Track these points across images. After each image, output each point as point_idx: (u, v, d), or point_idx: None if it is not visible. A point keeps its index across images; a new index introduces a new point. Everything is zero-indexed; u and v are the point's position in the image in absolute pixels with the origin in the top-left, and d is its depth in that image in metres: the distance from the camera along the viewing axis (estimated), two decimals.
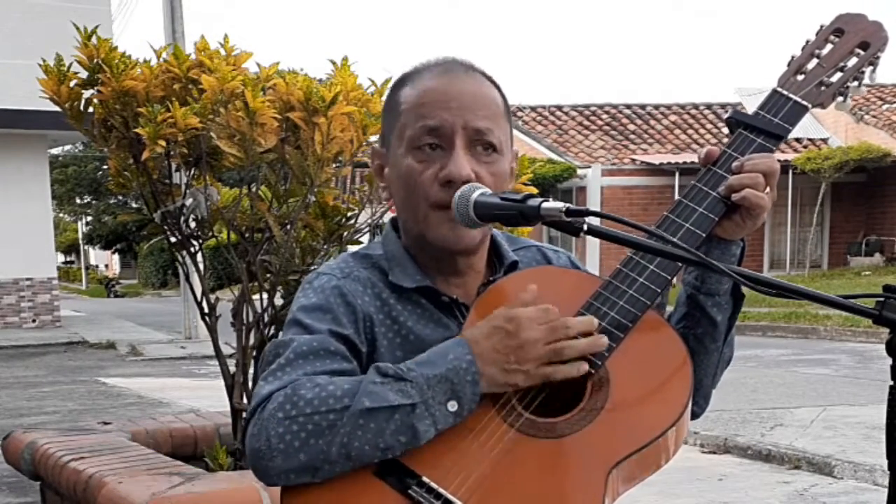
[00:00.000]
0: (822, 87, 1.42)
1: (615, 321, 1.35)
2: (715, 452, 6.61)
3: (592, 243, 17.92)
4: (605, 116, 22.94)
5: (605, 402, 1.32)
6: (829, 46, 1.44)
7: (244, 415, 3.49)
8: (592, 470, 1.28)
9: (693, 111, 23.18)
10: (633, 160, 21.03)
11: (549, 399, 1.35)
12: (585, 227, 1.26)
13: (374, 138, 3.29)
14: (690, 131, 22.56)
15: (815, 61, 1.43)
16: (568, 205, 1.26)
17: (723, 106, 22.94)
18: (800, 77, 1.43)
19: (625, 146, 21.97)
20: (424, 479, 1.28)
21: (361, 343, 1.38)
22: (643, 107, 23.26)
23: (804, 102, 1.41)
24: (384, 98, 1.51)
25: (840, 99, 1.44)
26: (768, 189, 1.36)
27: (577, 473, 1.29)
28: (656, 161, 20.45)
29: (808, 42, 1.45)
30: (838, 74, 1.43)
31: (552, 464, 1.30)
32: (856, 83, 1.43)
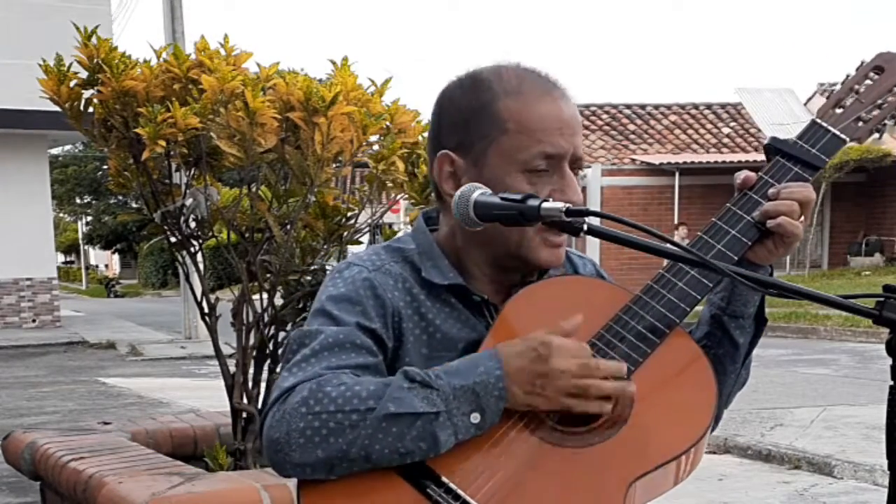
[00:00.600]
0: (860, 123, 1.45)
1: (642, 335, 1.36)
2: (715, 452, 6.61)
3: (592, 243, 17.93)
4: (604, 116, 22.92)
5: (628, 416, 1.32)
6: (867, 83, 1.47)
7: (244, 414, 3.49)
8: (613, 483, 1.29)
9: (693, 111, 23.17)
10: (633, 160, 21.02)
11: None
12: (585, 227, 1.27)
13: (374, 138, 3.29)
14: (690, 131, 22.54)
15: (853, 97, 1.47)
16: (568, 205, 1.26)
17: (723, 106, 22.92)
18: (838, 111, 1.46)
19: (625, 146, 21.96)
20: (444, 479, 1.28)
21: (388, 338, 1.38)
22: (643, 107, 23.23)
23: (842, 136, 1.44)
24: (454, 99, 1.44)
25: (876, 136, 1.48)
26: (802, 218, 1.38)
27: (597, 485, 1.29)
28: (656, 161, 20.44)
29: (847, 76, 1.49)
30: (876, 111, 1.46)
31: (572, 474, 1.30)
32: (892, 122, 1.47)
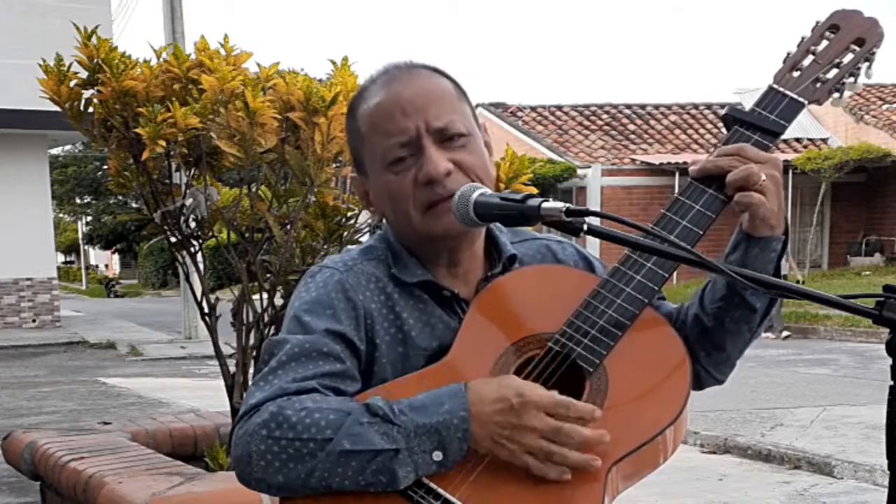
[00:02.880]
0: (818, 84, 1.42)
1: (613, 319, 1.35)
2: (715, 452, 6.62)
3: (592, 243, 17.94)
4: (605, 116, 22.93)
5: (603, 401, 1.32)
6: (824, 43, 1.44)
7: None
8: (591, 469, 1.28)
9: (693, 111, 23.18)
10: (633, 160, 21.02)
11: None
12: (585, 227, 1.26)
13: None
14: (690, 131, 22.55)
15: (810, 58, 1.43)
16: (568, 205, 1.26)
17: (722, 106, 22.88)
18: (795, 74, 1.42)
19: (625, 146, 21.96)
20: (423, 479, 1.28)
21: (360, 340, 1.37)
22: (643, 107, 23.24)
23: (800, 99, 1.41)
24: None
25: (836, 95, 1.43)
26: (764, 179, 1.32)
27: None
28: (656, 161, 20.44)
29: (803, 39, 1.45)
30: (834, 71, 1.42)
31: None
32: (852, 79, 1.43)
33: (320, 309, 1.37)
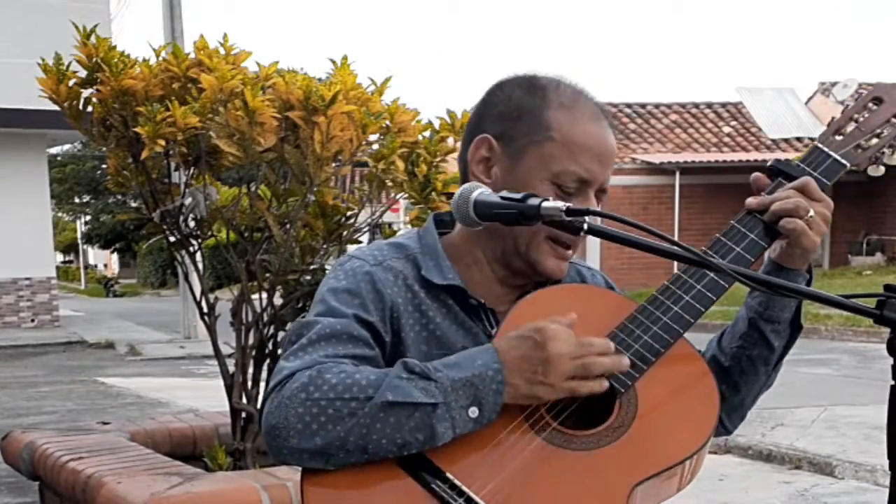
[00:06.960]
0: (859, 150, 1.49)
1: (647, 345, 1.37)
2: (715, 452, 6.60)
3: (593, 242, 17.92)
4: None
5: (632, 422, 1.33)
6: (867, 113, 1.51)
7: (243, 414, 3.48)
8: (615, 486, 1.29)
9: (693, 110, 23.15)
10: (634, 159, 21.00)
11: (578, 412, 1.36)
12: (585, 226, 1.27)
13: (373, 137, 3.28)
14: (691, 130, 22.52)
15: (853, 125, 1.51)
16: (568, 204, 1.26)
17: (723, 105, 22.90)
18: (839, 137, 1.50)
19: (625, 145, 21.92)
20: (448, 475, 1.28)
21: (386, 332, 1.39)
22: (643, 106, 23.21)
23: (843, 161, 1.48)
24: (486, 95, 1.50)
25: (875, 165, 1.52)
26: (812, 213, 1.41)
27: (599, 488, 1.29)
28: (657, 160, 20.43)
29: (847, 106, 1.53)
30: (874, 140, 1.50)
31: (576, 476, 1.30)
32: (890, 150, 1.51)
33: (349, 297, 1.39)
